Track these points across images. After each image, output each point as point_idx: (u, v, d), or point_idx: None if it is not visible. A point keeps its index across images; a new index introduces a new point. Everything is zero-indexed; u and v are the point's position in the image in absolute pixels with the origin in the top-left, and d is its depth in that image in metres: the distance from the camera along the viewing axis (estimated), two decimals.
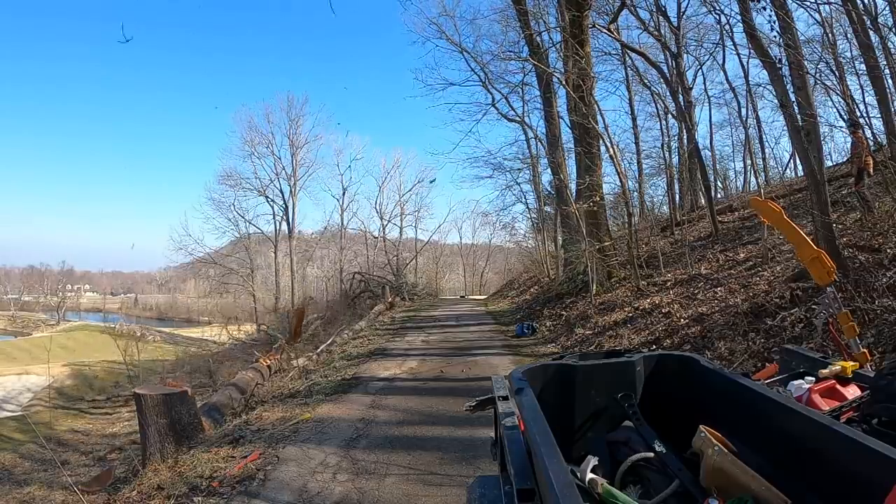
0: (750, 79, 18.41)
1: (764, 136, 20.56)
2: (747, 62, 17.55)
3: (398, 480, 3.72)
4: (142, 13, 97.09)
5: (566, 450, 1.53)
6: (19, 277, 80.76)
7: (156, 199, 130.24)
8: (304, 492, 3.55)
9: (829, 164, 12.67)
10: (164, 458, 4.31)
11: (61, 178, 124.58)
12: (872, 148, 8.58)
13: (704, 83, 21.68)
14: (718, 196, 20.35)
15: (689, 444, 1.57)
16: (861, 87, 13.97)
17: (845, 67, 13.70)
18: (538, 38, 16.12)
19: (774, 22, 6.80)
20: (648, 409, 1.92)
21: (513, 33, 17.80)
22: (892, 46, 9.13)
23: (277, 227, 33.76)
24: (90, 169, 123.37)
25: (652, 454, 1.70)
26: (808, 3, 8.13)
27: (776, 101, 10.52)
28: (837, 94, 13.04)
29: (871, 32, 8.29)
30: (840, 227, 7.36)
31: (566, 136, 16.76)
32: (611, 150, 12.06)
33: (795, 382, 1.95)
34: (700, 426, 1.54)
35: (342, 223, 36.71)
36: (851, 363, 1.97)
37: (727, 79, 21.24)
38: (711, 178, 17.98)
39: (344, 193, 36.27)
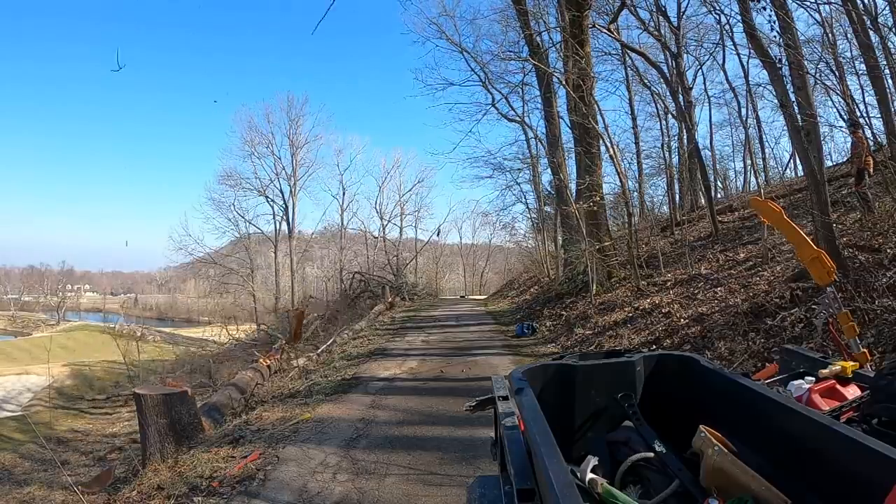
0: (750, 79, 18.46)
1: (764, 136, 20.61)
2: (747, 62, 17.59)
3: (398, 480, 3.72)
4: (142, 13, 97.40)
5: (566, 450, 1.53)
6: (19, 277, 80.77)
7: (156, 199, 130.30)
8: (304, 492, 3.55)
9: (829, 164, 12.68)
10: (164, 458, 4.31)
11: (61, 178, 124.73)
12: (872, 148, 8.58)
13: (704, 83, 21.72)
14: (718, 196, 20.37)
15: (689, 444, 1.57)
16: (861, 87, 14.01)
17: (845, 67, 13.73)
18: (538, 38, 16.12)
19: (774, 22, 6.81)
20: (648, 409, 1.92)
21: (513, 33, 17.85)
22: (892, 46, 9.15)
23: (277, 227, 33.82)
24: (90, 169, 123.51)
25: (652, 454, 1.70)
26: (808, 3, 8.15)
27: (776, 101, 10.54)
28: (837, 94, 13.06)
29: (871, 32, 8.30)
30: (840, 227, 7.36)
31: (566, 136, 16.79)
32: (611, 150, 12.07)
33: (795, 382, 1.95)
34: (700, 426, 1.54)
35: (342, 223, 36.81)
36: (851, 363, 1.97)
37: (727, 79, 21.29)
38: (711, 178, 18.00)
39: (344, 193, 36.37)
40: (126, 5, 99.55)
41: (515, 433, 1.56)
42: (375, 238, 36.86)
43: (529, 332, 11.21)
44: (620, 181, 12.70)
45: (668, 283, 9.83)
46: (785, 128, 17.04)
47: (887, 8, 8.54)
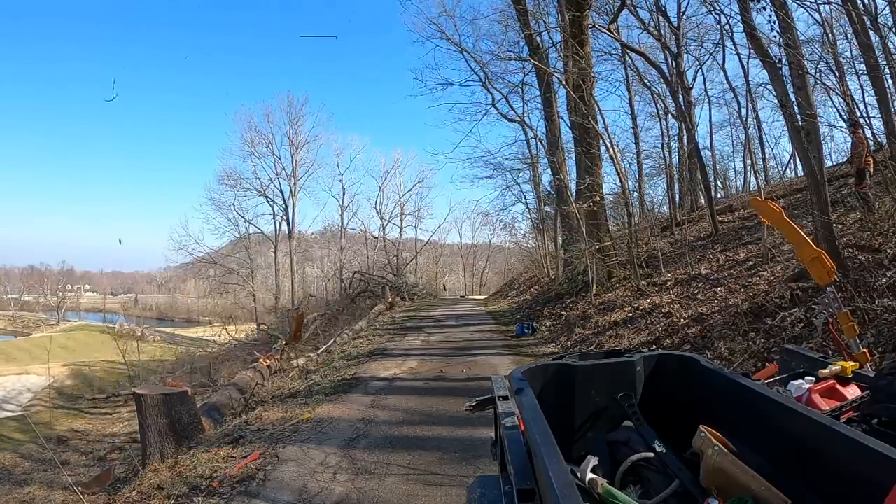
0: (750, 79, 18.44)
1: (764, 136, 20.60)
2: (747, 62, 17.57)
3: (398, 480, 3.72)
4: (142, 13, 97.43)
5: (566, 450, 1.53)
6: (19, 277, 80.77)
7: (156, 199, 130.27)
8: (304, 492, 3.55)
9: (829, 164, 12.67)
10: (164, 458, 4.31)
11: (61, 178, 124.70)
12: (872, 148, 8.58)
13: (704, 83, 21.71)
14: (718, 196, 20.37)
15: (689, 444, 1.57)
16: (861, 87, 14.00)
17: (845, 67, 13.72)
18: (538, 38, 16.12)
19: (774, 22, 6.80)
20: (648, 409, 1.92)
21: (513, 33, 17.82)
22: (892, 46, 9.14)
23: (277, 227, 33.82)
24: (90, 169, 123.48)
25: (652, 454, 1.70)
26: (808, 3, 8.14)
27: (776, 101, 10.53)
28: (837, 94, 13.05)
29: (871, 32, 8.29)
30: (840, 227, 7.36)
31: (566, 136, 16.79)
32: (611, 150, 12.07)
33: (795, 382, 1.95)
34: (700, 426, 1.54)
35: (342, 223, 36.79)
36: (851, 363, 1.97)
37: (727, 79, 21.28)
38: (711, 178, 18.00)
39: (344, 193, 36.35)
40: (126, 5, 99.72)
41: (515, 433, 1.56)
42: (375, 238, 36.87)
43: (529, 332, 11.21)
44: (620, 181, 12.71)
45: (668, 283, 9.83)
46: (785, 128, 17.05)
47: (887, 8, 8.55)
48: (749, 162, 21.24)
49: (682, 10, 17.71)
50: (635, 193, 16.76)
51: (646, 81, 18.01)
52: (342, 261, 34.66)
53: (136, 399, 4.73)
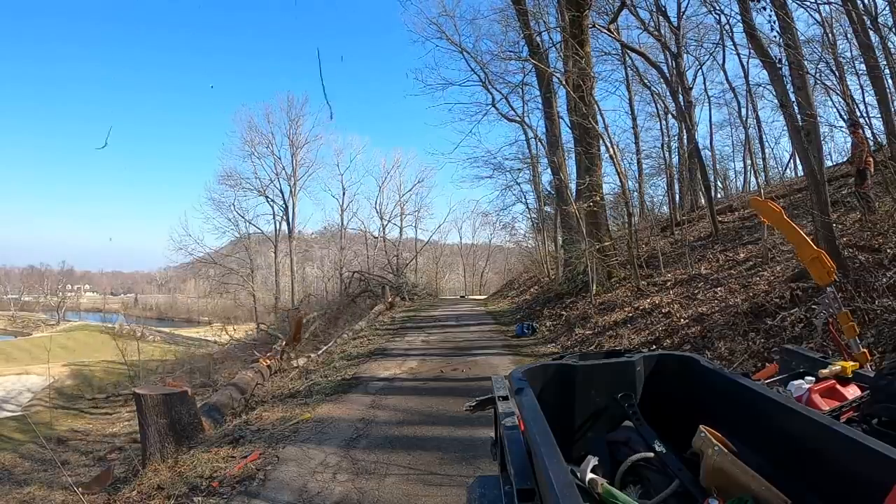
0: (750, 79, 18.45)
1: (764, 136, 20.61)
2: (747, 62, 17.58)
3: (398, 480, 3.72)
4: (142, 13, 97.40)
5: (566, 450, 1.53)
6: (19, 277, 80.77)
7: (156, 199, 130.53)
8: (304, 492, 3.55)
9: (829, 164, 12.67)
10: (164, 458, 4.31)
11: (61, 178, 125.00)
12: (873, 148, 8.58)
13: (704, 83, 21.72)
14: (718, 196, 20.38)
15: (689, 444, 1.57)
16: (861, 87, 14.00)
17: (845, 67, 13.73)
18: (538, 38, 16.11)
19: (774, 22, 6.80)
20: (648, 409, 1.92)
21: (513, 33, 17.81)
22: (892, 46, 9.15)
23: (277, 227, 33.80)
24: (90, 169, 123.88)
25: (652, 454, 1.70)
26: (808, 3, 8.15)
27: (776, 101, 10.53)
28: (837, 94, 13.05)
29: (871, 32, 8.30)
30: (840, 227, 7.36)
31: (566, 136, 16.78)
32: (611, 150, 12.07)
33: (795, 382, 1.95)
34: (700, 426, 1.54)
35: (342, 223, 36.79)
36: (851, 363, 1.97)
37: (727, 79, 21.30)
38: (711, 178, 18.00)
39: (344, 193, 36.37)
40: (126, 6, 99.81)
41: (515, 433, 1.56)
42: (375, 238, 36.89)
43: (529, 332, 11.20)
44: (620, 181, 12.71)
45: (668, 283, 9.83)
46: (785, 128, 17.07)
47: (887, 8, 8.55)
48: (749, 162, 21.27)
49: (682, 10, 17.75)
50: (635, 193, 16.78)
51: (646, 81, 18.02)
52: (342, 261, 34.66)
53: (136, 399, 4.73)
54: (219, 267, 34.35)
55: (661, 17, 16.64)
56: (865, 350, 2.51)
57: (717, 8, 14.82)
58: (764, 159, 20.44)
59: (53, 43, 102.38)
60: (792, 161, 19.82)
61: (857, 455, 1.21)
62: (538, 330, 11.39)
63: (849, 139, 9.62)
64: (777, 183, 18.25)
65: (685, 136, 17.04)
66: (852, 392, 1.84)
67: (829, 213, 6.42)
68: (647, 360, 2.01)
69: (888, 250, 5.89)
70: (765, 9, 7.25)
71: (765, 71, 9.78)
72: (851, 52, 13.11)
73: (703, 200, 16.34)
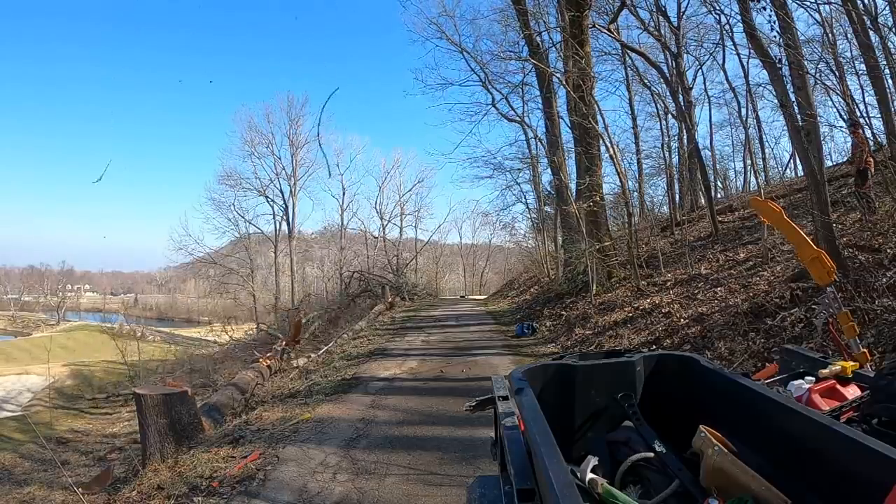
0: (750, 79, 18.46)
1: (764, 136, 20.61)
2: (747, 62, 17.59)
3: (398, 480, 3.72)
4: (142, 14, 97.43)
5: (566, 450, 1.52)
6: (19, 277, 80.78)
7: (156, 199, 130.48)
8: (304, 492, 3.55)
9: (829, 164, 12.69)
10: (164, 458, 4.31)
11: (61, 178, 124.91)
12: (873, 148, 8.58)
13: (704, 83, 21.72)
14: (718, 196, 20.38)
15: (689, 444, 1.57)
16: (861, 87, 14.02)
17: (845, 67, 13.73)
18: (538, 38, 16.11)
19: (774, 22, 6.81)
20: (648, 409, 1.91)
21: (513, 33, 17.82)
22: (892, 46, 9.15)
23: (277, 227, 33.78)
24: (90, 169, 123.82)
25: (652, 454, 1.69)
26: (808, 3, 8.14)
27: (776, 101, 10.54)
28: (837, 94, 13.06)
29: (871, 32, 8.30)
30: (840, 227, 7.36)
31: (566, 136, 16.79)
32: (611, 150, 12.07)
33: (795, 382, 1.95)
34: (700, 426, 1.54)
35: (342, 223, 36.78)
36: (851, 363, 1.97)
37: (727, 79, 21.31)
38: (711, 178, 18.00)
39: (344, 193, 36.34)
40: (126, 6, 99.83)
41: (515, 433, 1.56)
42: (375, 238, 36.88)
43: (529, 332, 11.20)
44: (620, 181, 12.71)
45: (668, 283, 9.83)
46: (785, 128, 17.07)
47: (887, 8, 8.55)
48: (749, 162, 21.27)
49: (682, 10, 17.75)
50: (635, 193, 16.80)
51: (646, 81, 18.03)
52: (342, 261, 34.66)
53: (136, 399, 4.73)
54: (219, 267, 34.33)
55: (661, 17, 16.66)
56: (865, 350, 2.51)
57: (717, 8, 14.86)
58: (764, 159, 20.47)
59: (53, 43, 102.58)
60: (792, 161, 19.85)
61: (857, 455, 1.21)
62: (538, 330, 11.38)
63: (849, 139, 9.64)
64: (777, 183, 18.26)
65: (685, 136, 17.06)
66: (852, 392, 1.84)
67: (829, 213, 6.42)
68: (647, 360, 2.01)
69: (888, 250, 5.89)
70: (765, 9, 7.26)
71: (765, 71, 9.79)
72: (851, 52, 13.13)
73: (703, 200, 16.34)
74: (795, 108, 6.77)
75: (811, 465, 1.37)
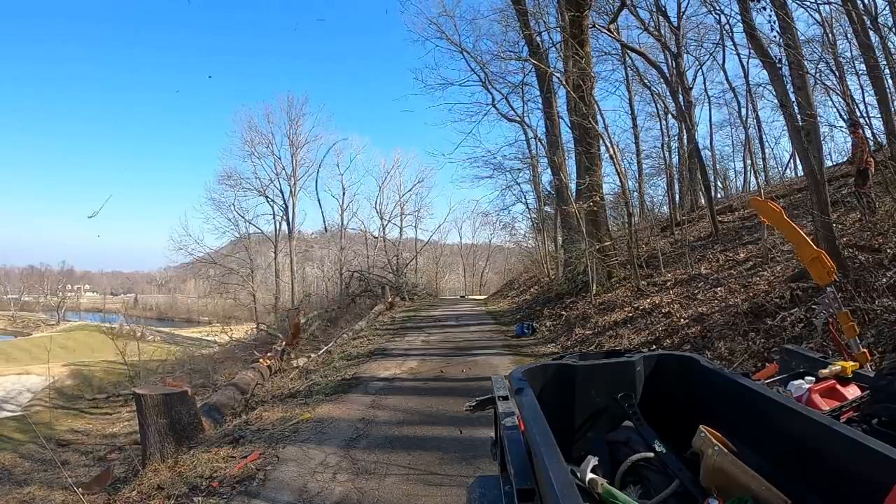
0: (750, 79, 18.45)
1: (764, 136, 20.61)
2: (747, 62, 17.57)
3: (398, 480, 3.72)
4: (142, 14, 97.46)
5: (566, 450, 1.52)
6: (19, 277, 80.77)
7: (156, 199, 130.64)
8: (304, 492, 3.55)
9: (829, 164, 12.69)
10: (164, 458, 4.31)
11: (61, 178, 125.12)
12: (872, 148, 8.58)
13: (704, 83, 21.72)
14: (718, 196, 20.37)
15: (689, 444, 1.57)
16: (861, 87, 14.02)
17: (845, 67, 13.73)
18: (538, 38, 16.11)
19: (774, 22, 6.80)
20: (648, 409, 1.91)
21: (513, 33, 17.82)
22: (892, 46, 9.15)
23: (277, 227, 33.76)
24: (90, 169, 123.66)
25: (652, 454, 1.69)
26: (808, 3, 8.14)
27: (776, 101, 10.54)
28: (837, 94, 13.07)
29: (871, 32, 8.30)
30: (840, 227, 7.36)
31: (566, 136, 16.79)
32: (611, 150, 12.07)
33: (795, 382, 1.94)
34: (700, 426, 1.54)
35: (342, 223, 36.75)
36: (851, 363, 1.97)
37: (727, 79, 21.31)
38: (711, 178, 18.01)
39: (344, 193, 36.33)
40: (126, 6, 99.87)
41: (515, 433, 1.56)
42: (375, 238, 36.87)
43: (529, 332, 11.20)
44: (620, 181, 12.71)
45: (668, 283, 9.83)
46: (785, 128, 17.08)
47: (887, 8, 8.55)
48: (749, 162, 21.27)
49: (682, 10, 17.74)
50: (635, 193, 16.78)
51: (646, 81, 18.03)
52: (342, 261, 34.65)
53: (136, 399, 4.73)
54: (219, 267, 34.31)
55: (661, 17, 16.66)
56: (865, 350, 2.51)
57: (717, 8, 14.86)
58: (764, 159, 20.46)
59: (53, 43, 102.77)
60: (792, 161, 19.86)
61: (857, 455, 1.21)
62: (538, 330, 11.38)
63: (849, 139, 9.64)
64: (777, 183, 18.26)
65: (685, 136, 17.06)
66: (852, 392, 1.84)
67: (829, 213, 6.42)
68: (647, 360, 2.01)
69: (888, 250, 5.89)
70: (765, 9, 7.26)
71: (765, 71, 9.80)
72: (851, 52, 13.13)
73: (703, 200, 16.34)
74: (795, 108, 6.77)
75: (811, 465, 1.37)
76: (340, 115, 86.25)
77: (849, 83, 13.86)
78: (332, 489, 3.58)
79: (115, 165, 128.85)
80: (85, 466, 6.45)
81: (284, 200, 33.26)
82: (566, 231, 15.25)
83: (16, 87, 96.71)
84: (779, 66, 6.86)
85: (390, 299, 20.80)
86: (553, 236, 19.85)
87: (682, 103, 15.81)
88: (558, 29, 13.80)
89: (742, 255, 9.46)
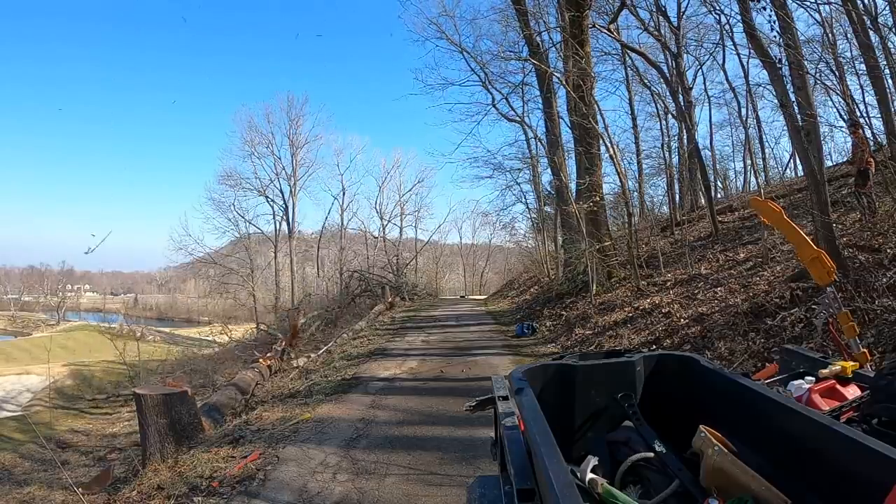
0: (750, 79, 18.46)
1: (764, 136, 20.62)
2: (747, 62, 17.58)
3: (398, 480, 3.72)
4: (142, 14, 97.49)
5: (566, 450, 1.52)
6: (19, 277, 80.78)
7: (156, 199, 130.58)
8: (304, 492, 3.55)
9: (829, 164, 12.69)
10: (164, 458, 4.31)
11: (61, 178, 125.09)
12: (873, 148, 8.58)
13: (704, 83, 21.73)
14: (718, 196, 20.39)
15: (689, 444, 1.57)
16: (861, 87, 14.02)
17: (845, 67, 13.74)
18: (538, 38, 16.11)
19: (774, 22, 6.80)
20: (648, 409, 1.91)
21: (513, 33, 17.81)
22: (892, 46, 9.15)
23: (277, 227, 33.79)
24: (90, 169, 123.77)
25: (652, 454, 1.69)
26: (808, 3, 8.15)
27: (776, 101, 10.54)
28: (837, 94, 13.08)
29: (871, 32, 8.30)
30: (840, 227, 7.36)
31: (566, 136, 16.79)
32: (611, 150, 12.07)
33: (795, 382, 1.94)
34: (700, 426, 1.54)
35: (342, 223, 36.77)
36: (851, 363, 1.97)
37: (727, 79, 21.30)
38: (711, 178, 18.01)
39: (344, 193, 36.35)
40: (126, 6, 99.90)
41: (515, 433, 1.56)
42: (375, 238, 36.90)
43: (529, 332, 11.20)
44: (620, 181, 12.71)
45: (668, 283, 9.83)
46: (785, 128, 17.07)
47: (887, 8, 8.55)
48: (749, 162, 21.28)
49: (682, 10, 17.76)
50: (635, 193, 16.77)
51: (646, 81, 18.03)
52: (342, 261, 34.65)
53: (136, 399, 4.73)
54: (219, 267, 34.31)
55: (661, 17, 16.66)
56: (865, 350, 2.51)
57: (717, 8, 14.87)
58: (764, 159, 20.47)
59: (53, 43, 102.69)
60: (792, 161, 19.87)
61: (857, 455, 1.21)
62: (538, 330, 11.38)
63: (849, 139, 9.64)
64: (777, 183, 18.27)
65: (685, 136, 17.06)
66: (852, 392, 1.84)
67: (829, 213, 6.42)
68: (647, 360, 2.01)
69: (888, 250, 5.89)
70: (765, 9, 7.26)
71: (765, 71, 9.79)
72: (851, 52, 13.13)
73: (703, 200, 16.34)
74: (795, 108, 6.77)
75: (811, 465, 1.37)
76: (340, 115, 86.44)
77: (849, 83, 13.89)
78: (332, 489, 3.58)
79: (115, 165, 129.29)
80: (85, 466, 6.44)
81: (284, 200, 33.32)
82: (566, 231, 15.25)
83: (16, 87, 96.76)
84: (779, 66, 6.86)
85: (390, 299, 20.80)
86: (553, 236, 19.85)
87: (682, 103, 15.82)
88: (558, 29, 13.81)
89: (742, 255, 9.46)
